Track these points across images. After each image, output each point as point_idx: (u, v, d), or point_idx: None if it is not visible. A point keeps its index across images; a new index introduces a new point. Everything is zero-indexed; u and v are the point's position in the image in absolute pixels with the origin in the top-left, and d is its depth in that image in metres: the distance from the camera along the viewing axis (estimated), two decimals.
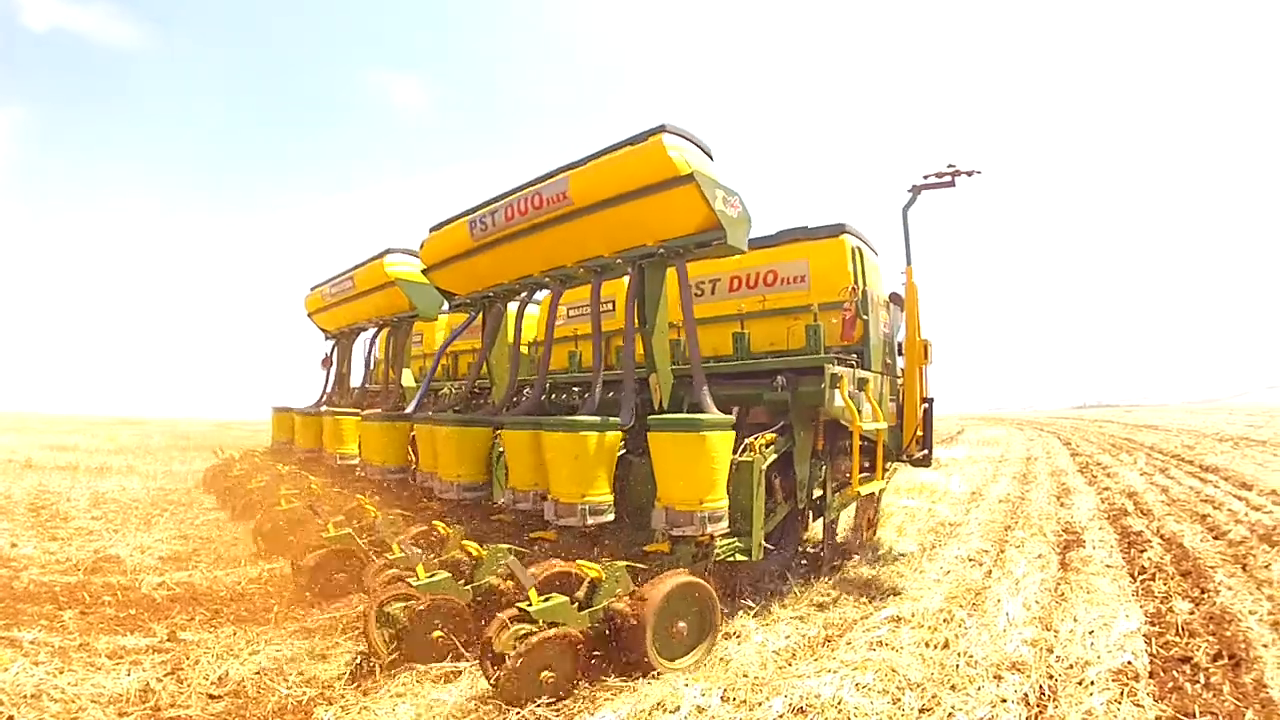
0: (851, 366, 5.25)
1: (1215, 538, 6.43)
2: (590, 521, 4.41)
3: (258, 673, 3.42)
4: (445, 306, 7.66)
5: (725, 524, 4.19)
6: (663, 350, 4.94)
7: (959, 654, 3.88)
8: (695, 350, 4.75)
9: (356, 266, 8.37)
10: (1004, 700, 3.33)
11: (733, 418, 4.41)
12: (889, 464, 6.05)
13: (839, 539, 6.12)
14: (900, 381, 6.21)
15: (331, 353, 9.83)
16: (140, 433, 21.28)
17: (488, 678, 3.33)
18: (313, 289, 9.80)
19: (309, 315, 10.10)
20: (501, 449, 5.34)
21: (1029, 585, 5.20)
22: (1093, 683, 3.51)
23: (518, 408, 5.61)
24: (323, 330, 10.05)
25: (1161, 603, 4.80)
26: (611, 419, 4.54)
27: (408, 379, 8.37)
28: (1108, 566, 5.68)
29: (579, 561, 3.84)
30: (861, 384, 5.34)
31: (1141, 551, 6.05)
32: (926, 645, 4.03)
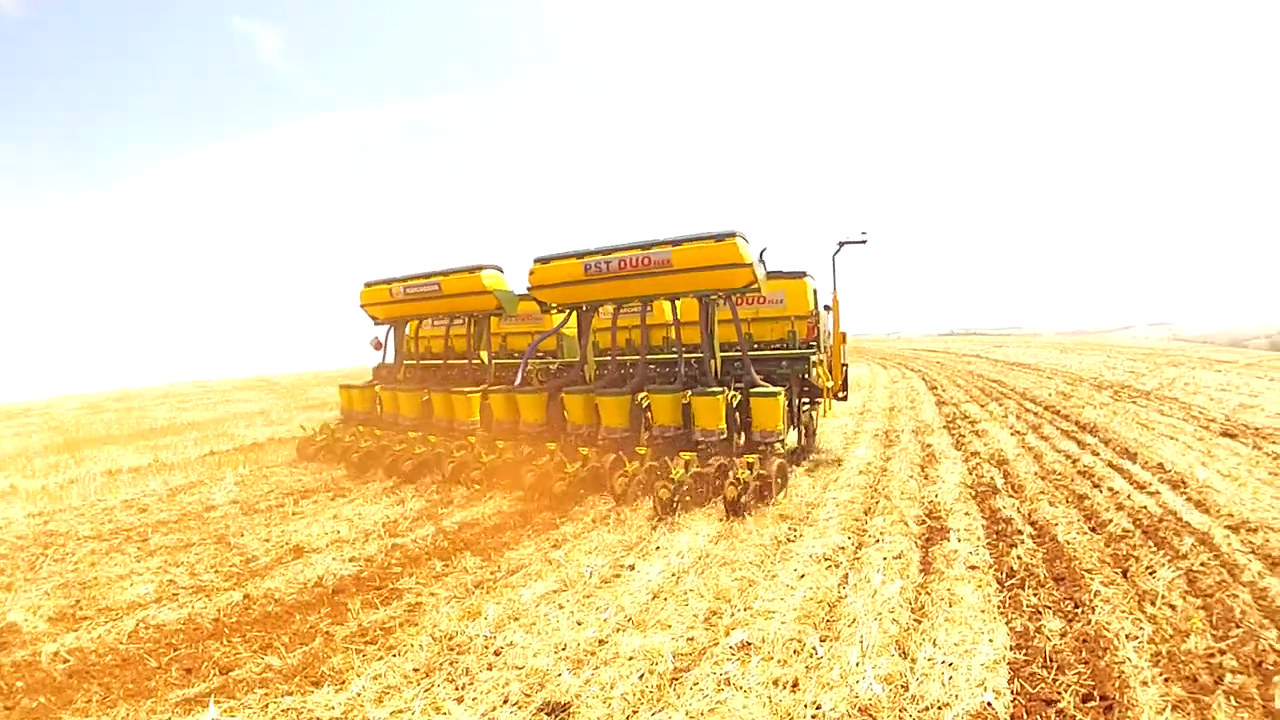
0: (815, 352, 10.52)
1: (1093, 529, 6.59)
2: (719, 439, 8.56)
3: None
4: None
5: (781, 434, 8.58)
6: (716, 346, 9.28)
7: (806, 704, 3.79)
8: (745, 347, 9.31)
9: (442, 274, 11.82)
10: None
11: (783, 388, 8.80)
12: (824, 400, 11.09)
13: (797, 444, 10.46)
14: (828, 356, 11.09)
15: (386, 336, 13.77)
16: None
17: (727, 508, 7.43)
18: (370, 285, 13.16)
19: (363, 306, 13.44)
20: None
21: (887, 596, 5.13)
22: None
23: (635, 380, 9.59)
24: (374, 318, 13.62)
25: (1030, 619, 4.81)
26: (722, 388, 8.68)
27: (485, 358, 12.47)
28: (972, 568, 5.68)
29: (745, 456, 7.98)
30: (819, 362, 10.56)
31: (1011, 546, 6.13)
32: (775, 684, 4.00)
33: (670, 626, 4.88)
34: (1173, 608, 4.84)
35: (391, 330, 13.74)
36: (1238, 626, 4.57)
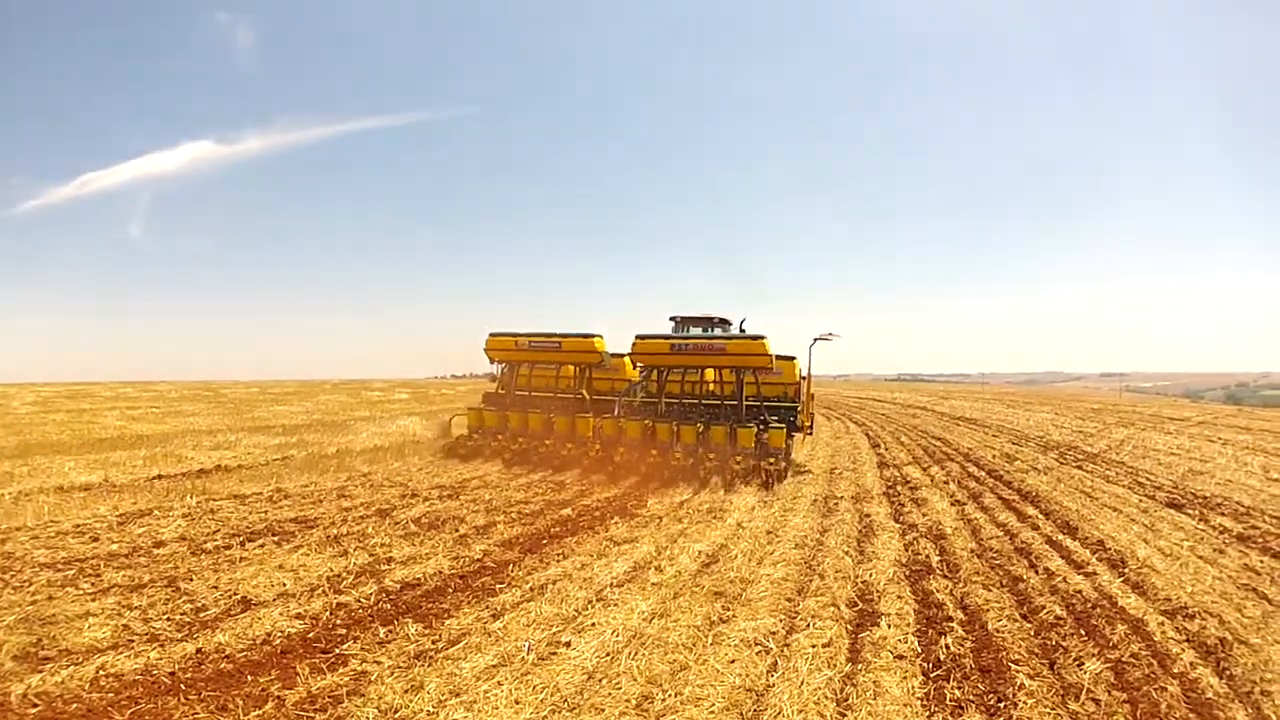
0: (798, 404, 17.99)
1: (1025, 615, 7.00)
2: (750, 451, 15.54)
3: None
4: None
5: (782, 450, 16.23)
6: (743, 398, 16.86)
7: None
8: (760, 400, 17.17)
9: (562, 335, 17.98)
10: None
11: (784, 425, 16.54)
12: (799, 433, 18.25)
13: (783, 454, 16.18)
14: (805, 407, 17.83)
15: (500, 372, 20.12)
16: None
17: (763, 484, 14.77)
18: (495, 335, 19.10)
19: (486, 350, 19.36)
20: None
21: (813, 689, 5.37)
22: None
23: (694, 412, 17.09)
24: (491, 359, 19.58)
25: (953, 714, 5.11)
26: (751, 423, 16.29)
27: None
28: (899, 658, 5.97)
29: (766, 459, 15.31)
30: (801, 411, 17.81)
31: (940, 634, 6.46)
32: None
33: (603, 711, 5.09)
34: (1096, 702, 5.22)
35: (505, 368, 20.17)
36: None
